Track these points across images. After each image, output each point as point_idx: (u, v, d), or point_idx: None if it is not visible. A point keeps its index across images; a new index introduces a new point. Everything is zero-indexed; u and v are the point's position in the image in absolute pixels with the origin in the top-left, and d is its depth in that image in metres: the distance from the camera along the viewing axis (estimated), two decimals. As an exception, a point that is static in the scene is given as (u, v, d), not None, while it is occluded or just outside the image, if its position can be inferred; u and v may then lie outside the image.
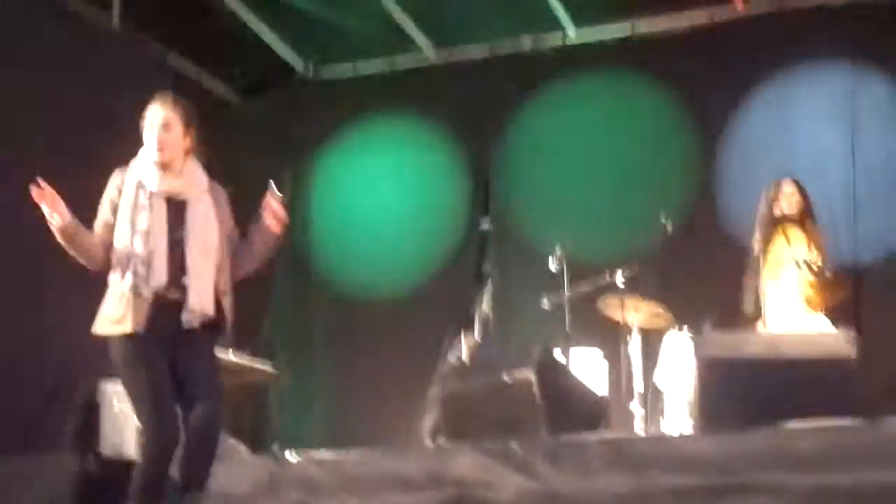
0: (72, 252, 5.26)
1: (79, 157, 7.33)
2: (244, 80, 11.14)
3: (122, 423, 7.71)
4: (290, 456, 6.70)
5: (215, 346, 5.54)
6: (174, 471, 5.27)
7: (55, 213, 5.14)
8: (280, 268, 10.23)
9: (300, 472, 6.50)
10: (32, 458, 7.00)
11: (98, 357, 7.66)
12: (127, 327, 5.17)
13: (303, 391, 9.98)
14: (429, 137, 10.75)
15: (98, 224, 5.36)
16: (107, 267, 5.30)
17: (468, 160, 10.67)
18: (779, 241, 8.01)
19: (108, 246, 5.30)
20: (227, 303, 5.41)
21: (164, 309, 5.21)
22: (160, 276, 5.21)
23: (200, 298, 5.26)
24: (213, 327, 5.37)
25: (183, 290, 5.25)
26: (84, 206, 5.43)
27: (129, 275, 5.20)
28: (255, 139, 10.37)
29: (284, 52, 11.05)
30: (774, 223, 8.06)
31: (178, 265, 5.26)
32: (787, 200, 8.08)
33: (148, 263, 5.20)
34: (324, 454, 6.69)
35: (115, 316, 5.20)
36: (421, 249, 10.53)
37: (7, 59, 8.25)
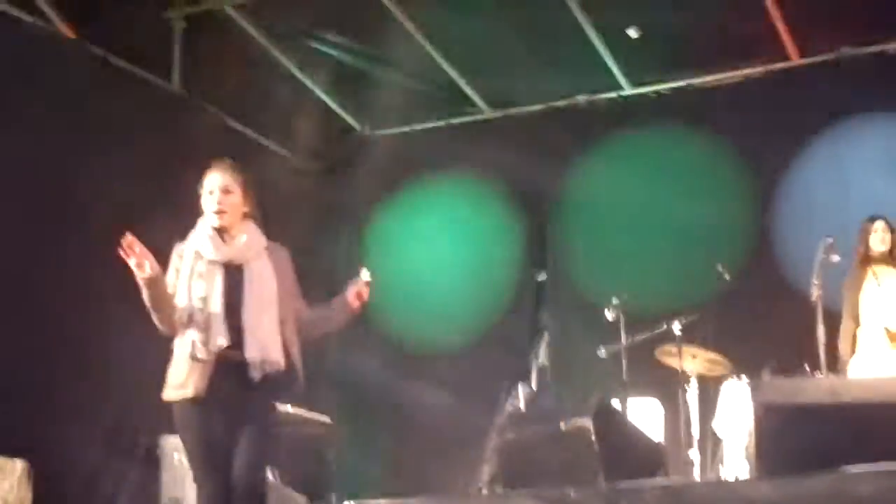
0: (153, 307, 5.31)
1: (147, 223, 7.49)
2: (303, 141, 11.27)
3: (181, 476, 7.76)
4: (348, 505, 6.70)
5: (278, 399, 5.62)
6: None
7: (145, 261, 5.20)
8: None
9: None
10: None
11: (159, 411, 7.83)
12: (188, 392, 5.25)
13: (361, 443, 9.99)
14: (485, 192, 10.81)
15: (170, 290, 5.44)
16: (175, 331, 5.39)
17: (524, 214, 10.72)
18: (868, 281, 8.00)
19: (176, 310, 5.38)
20: (295, 353, 5.47)
21: (225, 371, 5.28)
22: (218, 338, 5.27)
23: (260, 349, 5.31)
24: (280, 381, 5.41)
25: (242, 349, 5.32)
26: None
27: (188, 341, 5.29)
28: (314, 199, 10.47)
29: (343, 111, 11.16)
30: (864, 263, 8.05)
31: (236, 326, 5.31)
32: (880, 237, 8.08)
33: (206, 328, 5.27)
34: (381, 502, 6.68)
35: (177, 381, 5.31)
36: (477, 302, 10.58)
37: (76, 125, 8.44)
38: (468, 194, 10.94)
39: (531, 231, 10.66)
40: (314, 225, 10.67)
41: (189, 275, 5.37)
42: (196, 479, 5.33)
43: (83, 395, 8.16)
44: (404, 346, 10.59)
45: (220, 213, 5.42)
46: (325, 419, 8.86)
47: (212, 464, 5.22)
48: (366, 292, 5.62)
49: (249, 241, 5.49)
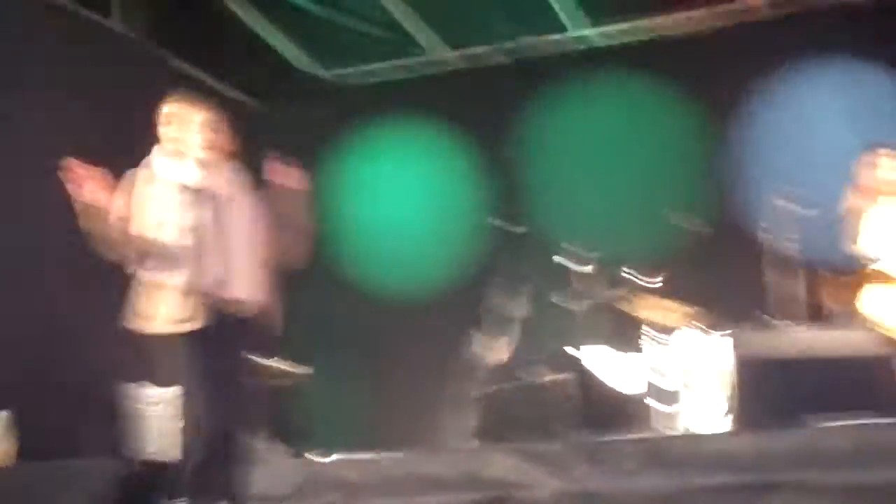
0: (99, 239, 5.22)
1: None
2: (258, 85, 11.18)
3: (158, 427, 7.78)
4: (326, 457, 6.72)
5: (260, 343, 5.59)
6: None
7: (88, 190, 5.13)
8: (306, 271, 10.24)
9: (336, 474, 6.54)
10: (71, 462, 7.06)
11: (136, 361, 7.80)
12: (188, 325, 5.21)
13: (333, 393, 10.01)
14: (445, 139, 10.79)
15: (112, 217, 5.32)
16: (130, 259, 5.32)
17: (489, 162, 10.71)
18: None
19: (125, 238, 5.28)
20: (274, 297, 5.50)
21: (215, 305, 5.25)
22: (210, 271, 5.24)
23: (248, 290, 5.33)
24: (260, 323, 5.44)
25: (230, 285, 5.29)
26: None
27: (181, 272, 5.23)
28: (271, 143, 10.39)
29: (298, 55, 11.07)
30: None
31: (219, 260, 5.29)
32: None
33: (198, 260, 5.23)
34: (360, 456, 6.71)
35: (174, 315, 5.23)
36: (444, 252, 10.58)
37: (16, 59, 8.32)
38: (429, 141, 10.91)
39: (497, 179, 10.64)
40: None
41: (163, 203, 5.30)
42: (195, 412, 5.28)
43: (63, 346, 8.13)
44: (373, 295, 10.59)
45: (209, 148, 5.42)
46: (298, 369, 8.88)
47: (212, 396, 5.19)
48: (280, 167, 5.51)
49: (231, 178, 5.48)
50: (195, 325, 5.22)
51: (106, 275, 6.75)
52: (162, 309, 5.27)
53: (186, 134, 5.41)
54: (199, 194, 5.35)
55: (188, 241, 5.25)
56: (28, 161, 8.08)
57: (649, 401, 8.08)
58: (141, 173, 5.39)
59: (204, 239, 5.28)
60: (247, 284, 5.36)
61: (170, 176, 5.35)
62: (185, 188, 5.33)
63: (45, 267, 8.12)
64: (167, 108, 5.47)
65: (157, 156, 5.43)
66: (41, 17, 8.80)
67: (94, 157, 5.35)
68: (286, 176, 5.51)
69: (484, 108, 10.68)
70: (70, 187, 5.15)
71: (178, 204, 5.30)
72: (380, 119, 11.08)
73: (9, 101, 8.25)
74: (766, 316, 7.90)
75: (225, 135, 5.54)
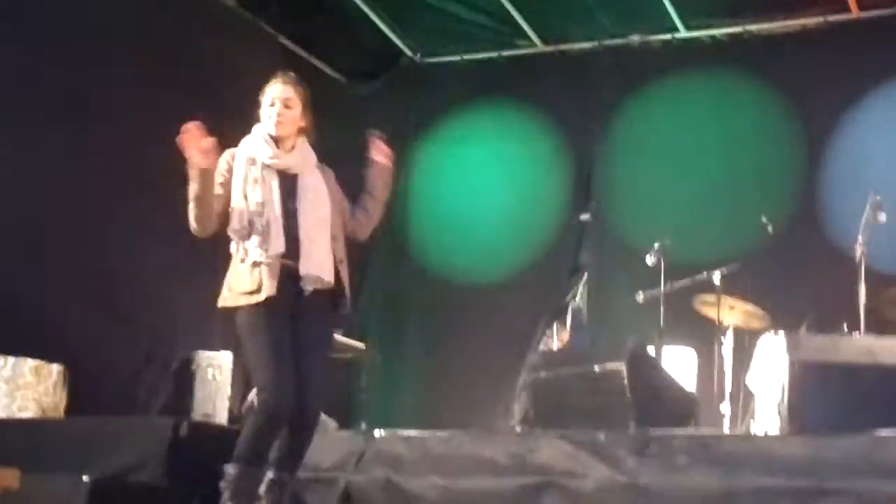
0: (197, 202, 5.28)
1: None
2: (353, 64, 11.25)
3: (214, 392, 7.86)
4: (378, 433, 6.74)
5: (333, 318, 5.61)
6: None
7: (202, 153, 5.19)
8: (377, 248, 10.31)
9: (387, 449, 6.55)
10: (127, 420, 7.15)
11: (195, 326, 7.90)
12: (259, 297, 5.24)
13: (394, 371, 10.05)
14: (532, 127, 10.77)
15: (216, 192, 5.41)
16: (213, 235, 5.39)
17: (571, 151, 10.70)
18: None
19: (220, 216, 5.38)
20: (344, 273, 5.51)
21: (286, 278, 5.30)
22: (278, 245, 5.29)
23: (315, 265, 5.35)
24: (332, 298, 5.47)
25: (299, 258, 5.34)
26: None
27: (252, 246, 5.30)
28: (361, 122, 10.41)
29: (393, 38, 11.12)
30: None
31: (293, 235, 5.34)
32: None
33: (266, 233, 5.29)
34: (410, 432, 6.72)
35: (245, 287, 5.28)
36: (518, 237, 10.59)
37: (123, 36, 8.44)
38: (516, 128, 10.91)
39: (577, 169, 10.62)
40: (361, 150, 10.67)
41: (244, 179, 5.38)
42: (259, 386, 5.30)
43: (121, 306, 8.25)
44: (442, 277, 10.61)
45: (279, 123, 5.45)
46: (360, 345, 8.92)
47: (277, 371, 5.20)
48: (382, 145, 5.68)
49: (304, 154, 5.53)
50: (260, 297, 5.25)
51: (166, 239, 6.88)
52: (240, 282, 5.33)
53: (281, 114, 5.46)
54: (282, 172, 5.43)
55: (269, 216, 5.32)
56: (128, 136, 8.22)
57: (724, 405, 8.06)
58: (239, 151, 5.49)
59: (282, 215, 5.35)
60: (321, 261, 5.39)
61: (260, 155, 5.43)
62: (270, 166, 5.41)
63: (112, 226, 8.23)
64: (268, 88, 5.53)
65: (254, 135, 5.51)
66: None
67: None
68: (383, 152, 5.67)
69: (576, 98, 10.69)
70: (187, 150, 5.20)
71: (264, 181, 5.38)
72: (471, 104, 11.08)
73: (116, 73, 8.42)
74: (835, 324, 7.75)
75: (313, 115, 5.59)
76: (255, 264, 5.27)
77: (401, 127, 11.08)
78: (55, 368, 7.33)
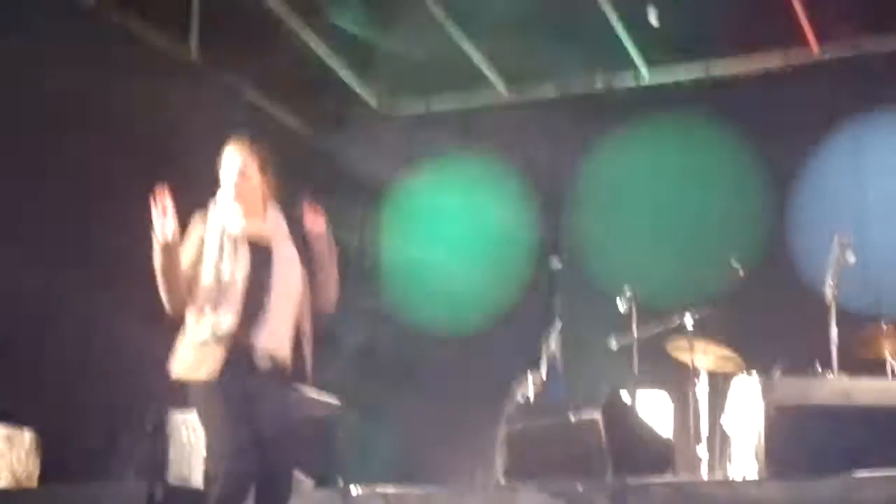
0: (164, 280, 5.14)
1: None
2: (319, 116, 11.26)
3: (189, 452, 7.78)
4: (355, 490, 6.70)
5: (290, 393, 5.44)
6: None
7: (168, 224, 5.06)
8: (348, 302, 10.25)
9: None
10: (102, 484, 7.08)
11: (167, 386, 7.80)
12: (201, 374, 5.13)
13: (370, 426, 9.99)
14: (500, 175, 10.79)
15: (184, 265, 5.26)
16: (183, 308, 5.24)
17: (539, 198, 10.70)
18: None
19: (191, 287, 5.24)
20: (307, 349, 5.36)
21: (239, 354, 5.15)
22: (232, 321, 5.15)
23: (273, 340, 5.21)
24: (288, 374, 5.31)
25: (265, 335, 5.20)
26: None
27: (204, 320, 5.17)
28: (327, 173, 10.43)
29: (358, 86, 11.14)
30: None
31: (255, 310, 5.19)
32: None
33: (221, 309, 5.15)
34: (388, 489, 6.68)
35: (190, 361, 5.17)
36: (490, 287, 10.56)
37: (85, 83, 8.40)
38: (483, 176, 10.91)
39: (546, 217, 10.63)
40: (328, 202, 10.66)
41: (218, 250, 5.24)
42: (216, 456, 5.18)
43: (92, 370, 8.18)
44: (415, 328, 10.59)
45: (238, 195, 5.28)
46: (334, 401, 8.86)
47: (234, 438, 5.08)
48: (314, 211, 5.36)
49: (275, 223, 5.38)
50: (202, 376, 5.14)
51: (139, 298, 6.80)
52: (181, 354, 5.23)
53: (238, 185, 5.31)
54: (253, 244, 5.28)
55: (232, 290, 5.18)
56: (94, 200, 8.20)
57: (700, 449, 8.05)
58: (210, 220, 5.33)
59: (244, 289, 5.19)
60: (280, 335, 5.26)
61: (230, 225, 5.29)
62: (232, 236, 5.27)
63: (82, 288, 8.18)
64: (224, 154, 5.37)
65: (221, 202, 5.35)
66: (118, 40, 8.92)
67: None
68: (316, 219, 5.38)
69: (543, 145, 10.68)
70: (156, 219, 5.09)
71: (226, 252, 5.24)
72: (438, 154, 11.06)
73: (79, 128, 8.34)
74: (808, 364, 7.77)
75: (276, 179, 5.46)
76: (207, 342, 5.12)
77: (367, 179, 11.12)
78: (27, 436, 7.26)
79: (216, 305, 5.15)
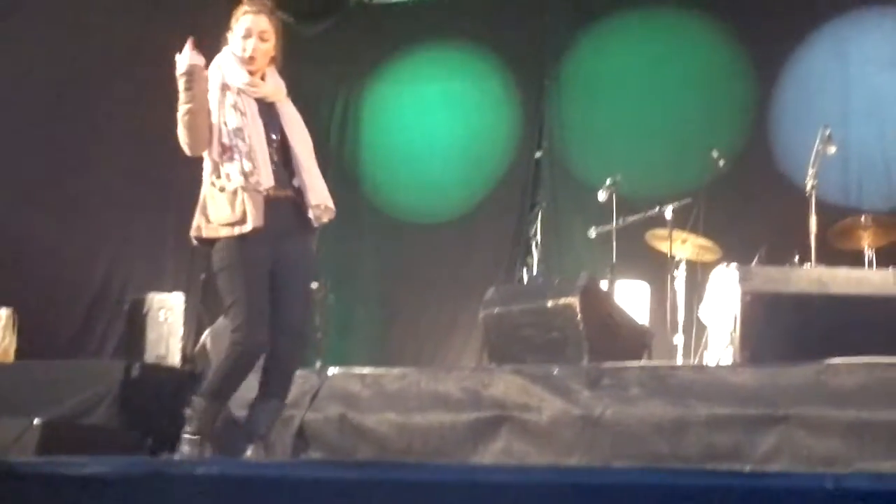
0: (189, 119, 5.09)
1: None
2: (302, 6, 11.12)
3: (166, 334, 7.82)
4: (332, 370, 6.72)
5: (312, 249, 5.48)
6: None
7: (194, 56, 5.06)
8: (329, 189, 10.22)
9: (341, 387, 6.54)
10: (78, 363, 7.10)
11: (146, 268, 7.83)
12: (244, 228, 5.07)
13: (348, 310, 10.01)
14: (483, 65, 10.72)
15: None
16: (203, 147, 5.18)
17: (522, 89, 10.65)
18: None
19: (211, 131, 5.19)
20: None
21: (274, 207, 5.13)
22: (265, 174, 5.12)
23: (319, 193, 5.21)
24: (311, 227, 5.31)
25: (291, 187, 5.20)
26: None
27: (235, 173, 5.11)
28: (309, 62, 10.33)
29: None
30: None
31: (283, 165, 5.20)
32: None
33: (251, 160, 5.11)
34: (365, 370, 6.70)
35: (226, 218, 5.10)
36: (471, 176, 10.55)
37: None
38: (466, 67, 10.84)
39: (528, 107, 10.58)
40: (310, 91, 10.61)
41: (219, 103, 5.19)
42: (234, 321, 5.11)
43: (73, 249, 8.18)
44: (395, 216, 10.59)
45: (252, 58, 5.25)
46: (314, 285, 8.87)
47: (255, 305, 5.08)
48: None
49: (277, 83, 5.38)
50: (246, 229, 5.08)
51: (116, 180, 6.78)
52: (220, 212, 5.14)
53: (256, 48, 5.26)
54: (258, 100, 5.26)
55: (252, 143, 5.15)
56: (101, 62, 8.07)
57: (677, 337, 8.10)
58: (211, 72, 5.27)
59: (266, 143, 5.19)
60: (315, 182, 5.24)
61: (235, 80, 5.25)
62: (245, 93, 5.24)
63: (68, 164, 8.14)
64: (241, 16, 5.31)
65: (222, 58, 5.32)
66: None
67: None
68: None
69: (527, 35, 10.63)
70: (183, 66, 5.07)
71: (242, 107, 5.21)
72: (421, 44, 10.99)
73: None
74: (786, 256, 7.79)
75: (280, 44, 5.40)
76: (237, 192, 5.07)
77: (350, 68, 11.04)
78: (4, 312, 7.26)
79: (243, 160, 5.12)
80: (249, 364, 5.17)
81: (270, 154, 5.19)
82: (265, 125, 5.23)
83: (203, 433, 5.12)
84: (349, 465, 4.47)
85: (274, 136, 5.25)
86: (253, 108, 5.23)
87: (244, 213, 5.06)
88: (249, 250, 5.08)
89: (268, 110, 5.29)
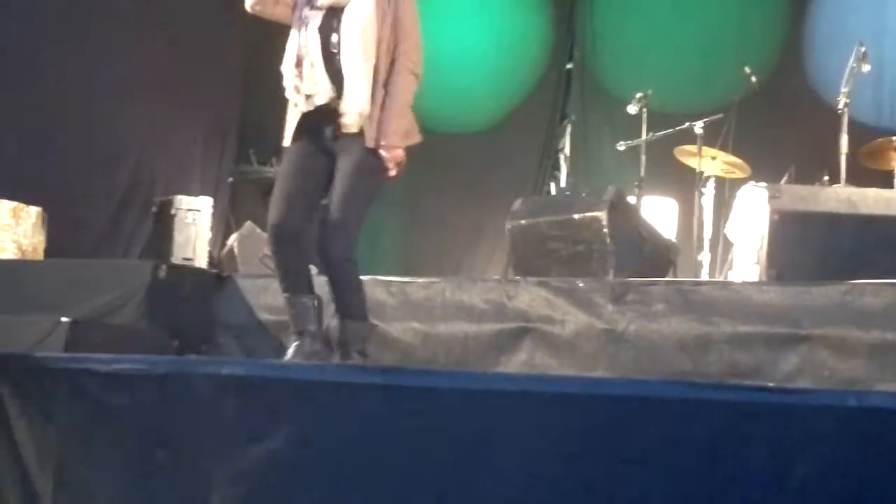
0: None
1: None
2: None
3: (193, 236, 7.85)
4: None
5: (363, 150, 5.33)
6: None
7: None
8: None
9: (368, 294, 6.47)
10: (106, 262, 7.14)
11: (176, 170, 7.83)
12: (285, 141, 5.25)
13: (374, 219, 9.96)
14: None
15: None
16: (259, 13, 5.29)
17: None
18: None
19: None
20: (389, 111, 5.37)
21: (322, 118, 5.18)
22: (312, 83, 5.17)
23: (353, 103, 5.16)
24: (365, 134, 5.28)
25: (340, 97, 5.18)
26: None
27: (290, 87, 5.21)
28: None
29: None
30: None
31: (333, 72, 5.17)
32: None
33: (301, 74, 5.17)
34: (391, 278, 6.71)
35: (284, 125, 5.27)
36: (500, 86, 10.45)
37: None
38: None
39: (559, 18, 10.47)
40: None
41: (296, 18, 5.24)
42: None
43: (99, 149, 8.19)
44: (423, 125, 10.47)
45: None
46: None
47: (281, 192, 5.18)
48: None
49: None
50: (286, 142, 5.24)
51: (147, 85, 6.73)
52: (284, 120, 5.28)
53: None
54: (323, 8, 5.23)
55: (310, 59, 5.18)
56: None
57: (703, 254, 8.08)
58: None
59: (310, 51, 5.19)
60: (354, 92, 5.18)
61: None
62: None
63: (91, 69, 8.12)
64: None
65: None
66: None
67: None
68: None
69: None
70: None
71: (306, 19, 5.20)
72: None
73: None
74: (816, 175, 7.75)
75: None
76: (294, 105, 5.21)
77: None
78: (34, 210, 7.29)
79: (294, 73, 5.18)
80: (280, 247, 5.21)
81: (327, 64, 5.18)
82: (323, 33, 5.20)
83: (300, 330, 5.19)
84: (374, 370, 4.49)
85: (333, 45, 5.20)
86: (317, 17, 5.23)
87: (293, 123, 5.24)
88: (293, 152, 5.25)
89: (334, 15, 5.22)
